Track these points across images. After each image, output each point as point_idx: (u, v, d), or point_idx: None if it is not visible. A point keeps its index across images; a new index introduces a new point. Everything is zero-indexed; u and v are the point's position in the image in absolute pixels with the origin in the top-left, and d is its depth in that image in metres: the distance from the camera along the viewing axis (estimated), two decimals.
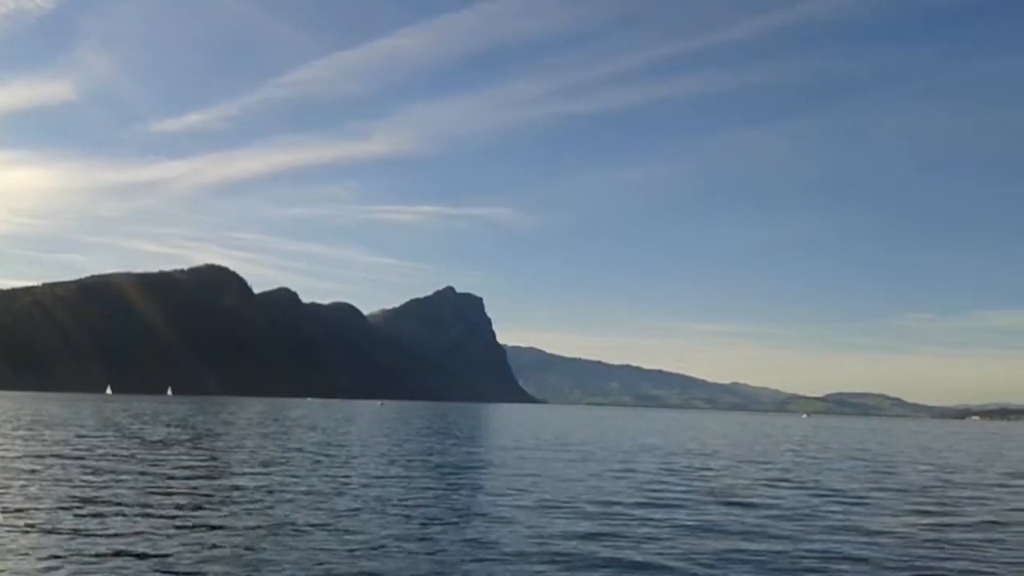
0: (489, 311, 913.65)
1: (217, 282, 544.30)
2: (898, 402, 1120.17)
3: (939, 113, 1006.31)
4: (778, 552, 15.31)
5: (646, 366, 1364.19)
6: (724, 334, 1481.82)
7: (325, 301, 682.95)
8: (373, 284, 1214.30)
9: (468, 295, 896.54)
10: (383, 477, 25.67)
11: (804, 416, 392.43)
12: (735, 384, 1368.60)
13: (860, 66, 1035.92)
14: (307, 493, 20.89)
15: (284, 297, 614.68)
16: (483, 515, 18.50)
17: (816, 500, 23.90)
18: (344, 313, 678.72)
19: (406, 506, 19.48)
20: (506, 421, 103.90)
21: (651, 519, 18.84)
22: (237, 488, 21.52)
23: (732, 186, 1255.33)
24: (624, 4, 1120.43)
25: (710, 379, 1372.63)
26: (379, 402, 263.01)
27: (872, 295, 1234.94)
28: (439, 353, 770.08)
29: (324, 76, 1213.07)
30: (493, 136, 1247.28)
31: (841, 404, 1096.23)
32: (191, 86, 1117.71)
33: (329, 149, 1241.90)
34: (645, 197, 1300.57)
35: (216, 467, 27.27)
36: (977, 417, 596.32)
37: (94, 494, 19.31)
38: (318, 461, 30.47)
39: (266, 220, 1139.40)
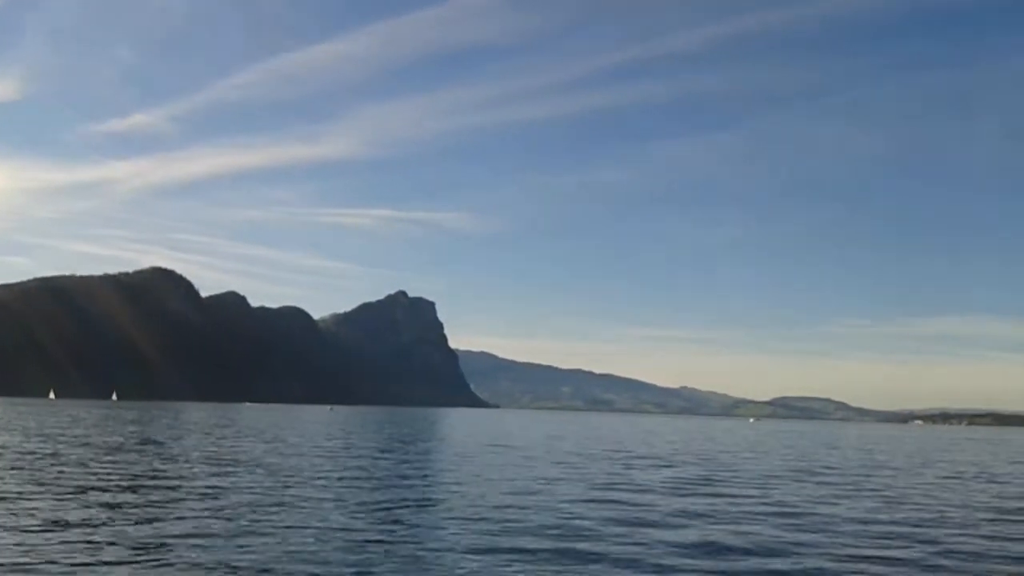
0: (441, 316, 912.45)
1: (163, 285, 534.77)
2: (842, 406, 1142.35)
3: (879, 123, 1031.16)
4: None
5: (597, 371, 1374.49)
6: (674, 339, 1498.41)
7: (274, 305, 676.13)
8: (324, 288, 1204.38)
9: (420, 299, 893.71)
10: (310, 484, 25.38)
11: (751, 420, 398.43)
12: (684, 388, 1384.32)
13: (806, 75, 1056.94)
14: (227, 502, 20.45)
15: (232, 301, 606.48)
16: (402, 523, 18.44)
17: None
18: (294, 317, 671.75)
19: (336, 512, 19.39)
20: (451, 426, 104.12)
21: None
22: (158, 496, 21.12)
23: (682, 192, 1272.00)
24: (575, 11, 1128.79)
25: (660, 384, 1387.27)
26: (329, 407, 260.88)
27: (814, 301, 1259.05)
28: (391, 358, 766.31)
29: (274, 77, 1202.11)
30: (445, 140, 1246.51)
31: (787, 408, 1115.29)
32: (137, 86, 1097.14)
33: (278, 151, 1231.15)
34: (597, 202, 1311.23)
35: (148, 474, 26.86)
36: (920, 421, 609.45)
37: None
38: (249, 470, 29.80)
39: (214, 222, 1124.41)
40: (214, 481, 25.24)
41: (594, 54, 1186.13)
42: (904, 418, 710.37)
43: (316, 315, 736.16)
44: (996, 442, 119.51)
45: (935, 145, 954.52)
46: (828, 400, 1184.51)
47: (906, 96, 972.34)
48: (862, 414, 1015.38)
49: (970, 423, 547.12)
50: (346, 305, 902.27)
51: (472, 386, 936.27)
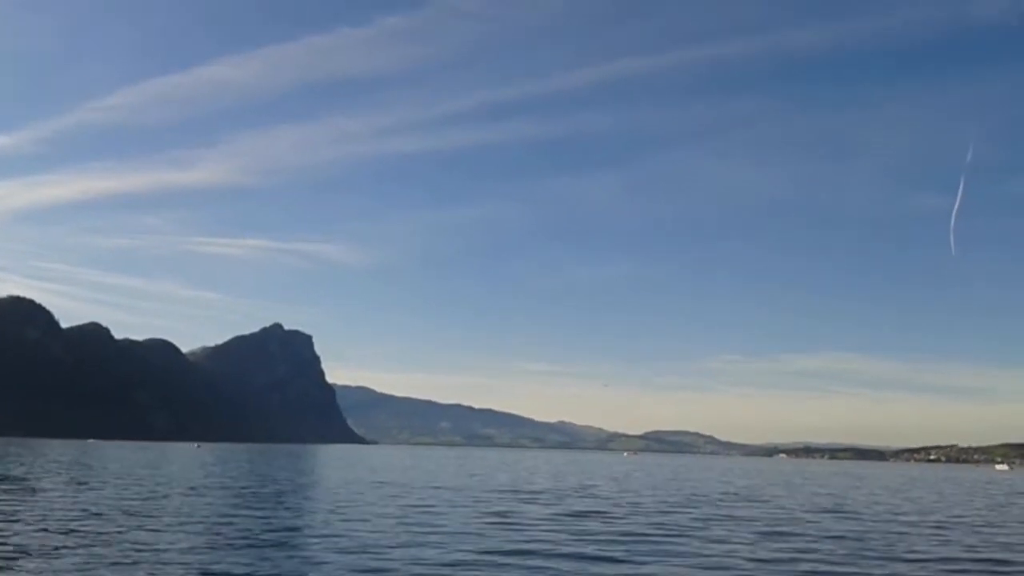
0: (318, 349, 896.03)
1: (21, 315, 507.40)
2: (711, 440, 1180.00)
3: (762, 164, 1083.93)
4: None
5: (477, 405, 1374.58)
6: (551, 373, 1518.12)
7: (140, 337, 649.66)
8: (194, 320, 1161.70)
9: (296, 332, 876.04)
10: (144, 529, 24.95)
11: (625, 454, 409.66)
12: (561, 423, 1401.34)
13: (693, 116, 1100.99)
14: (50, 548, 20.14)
15: (94, 332, 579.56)
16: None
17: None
18: (161, 350, 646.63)
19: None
20: (318, 464, 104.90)
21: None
22: None
23: (567, 229, 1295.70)
24: (458, 47, 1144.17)
25: (538, 418, 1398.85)
26: (196, 444, 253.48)
27: (687, 338, 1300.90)
28: (264, 392, 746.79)
29: (145, 101, 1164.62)
30: (325, 170, 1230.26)
31: (659, 442, 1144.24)
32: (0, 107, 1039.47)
33: (149, 177, 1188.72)
34: (477, 237, 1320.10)
35: None
36: (784, 455, 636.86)
37: None
38: (95, 514, 28.97)
39: (78, 250, 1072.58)
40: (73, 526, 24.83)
41: (480, 89, 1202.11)
42: (769, 451, 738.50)
43: (185, 348, 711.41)
44: (855, 475, 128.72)
45: (813, 186, 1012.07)
46: (698, 434, 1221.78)
47: (787, 138, 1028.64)
48: (730, 448, 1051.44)
49: (831, 457, 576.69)
50: (217, 338, 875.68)
51: (349, 421, 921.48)
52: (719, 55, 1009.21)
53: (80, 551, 20.19)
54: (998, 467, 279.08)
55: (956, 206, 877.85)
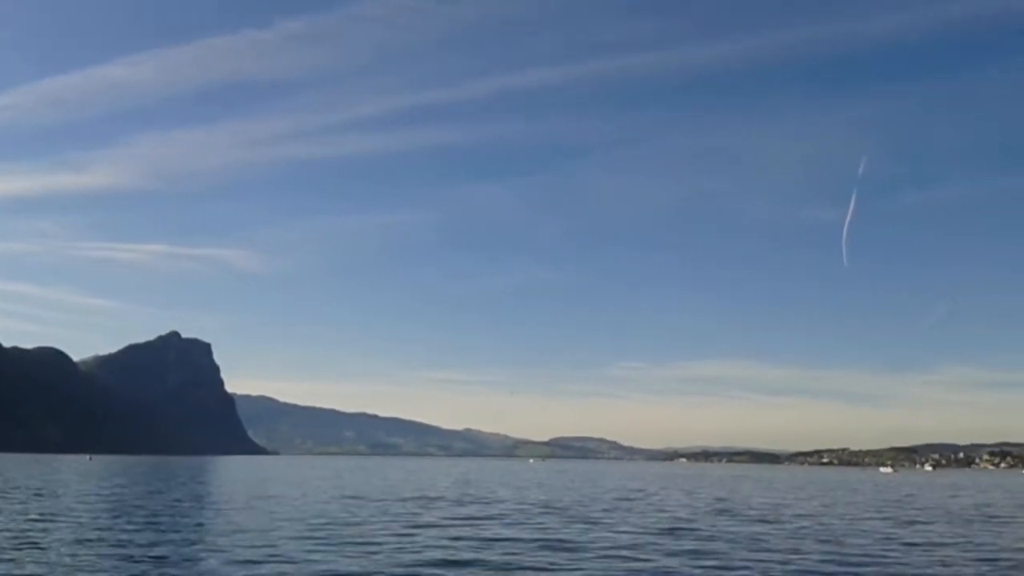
0: (218, 358, 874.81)
1: None
2: (615, 445, 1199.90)
3: (666, 175, 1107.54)
4: None
5: (382, 414, 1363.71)
6: (457, 381, 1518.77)
7: (30, 345, 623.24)
8: (86, 328, 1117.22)
9: (194, 341, 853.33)
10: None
11: (531, 461, 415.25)
12: (468, 430, 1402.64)
13: (601, 127, 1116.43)
14: None
15: None
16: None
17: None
18: (51, 359, 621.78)
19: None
20: (212, 476, 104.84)
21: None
22: None
23: (467, 237, 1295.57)
24: (363, 53, 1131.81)
25: (444, 426, 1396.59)
26: (87, 456, 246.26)
27: (591, 345, 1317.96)
28: (160, 402, 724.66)
29: (38, 102, 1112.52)
30: (225, 174, 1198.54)
31: (564, 448, 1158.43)
32: None
33: (41, 180, 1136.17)
34: (382, 244, 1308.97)
35: None
36: (684, 459, 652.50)
37: None
38: None
39: None
40: None
41: (385, 95, 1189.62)
42: (670, 456, 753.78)
43: (77, 357, 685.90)
44: (756, 478, 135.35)
45: (712, 197, 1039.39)
46: (602, 440, 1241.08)
47: (689, 149, 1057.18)
48: (633, 453, 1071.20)
49: (729, 461, 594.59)
50: (111, 346, 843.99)
51: (250, 432, 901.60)
52: (625, 67, 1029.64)
53: None
54: (882, 470, 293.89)
55: (848, 218, 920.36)
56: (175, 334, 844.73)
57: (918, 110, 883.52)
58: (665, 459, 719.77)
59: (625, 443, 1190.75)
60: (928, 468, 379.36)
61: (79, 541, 26.71)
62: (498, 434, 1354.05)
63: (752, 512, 47.33)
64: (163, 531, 30.57)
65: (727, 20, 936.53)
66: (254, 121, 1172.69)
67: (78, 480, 74.83)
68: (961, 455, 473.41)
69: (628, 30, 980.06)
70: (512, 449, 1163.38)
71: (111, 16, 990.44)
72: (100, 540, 27.13)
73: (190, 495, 54.65)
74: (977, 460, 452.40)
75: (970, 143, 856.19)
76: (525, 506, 47.48)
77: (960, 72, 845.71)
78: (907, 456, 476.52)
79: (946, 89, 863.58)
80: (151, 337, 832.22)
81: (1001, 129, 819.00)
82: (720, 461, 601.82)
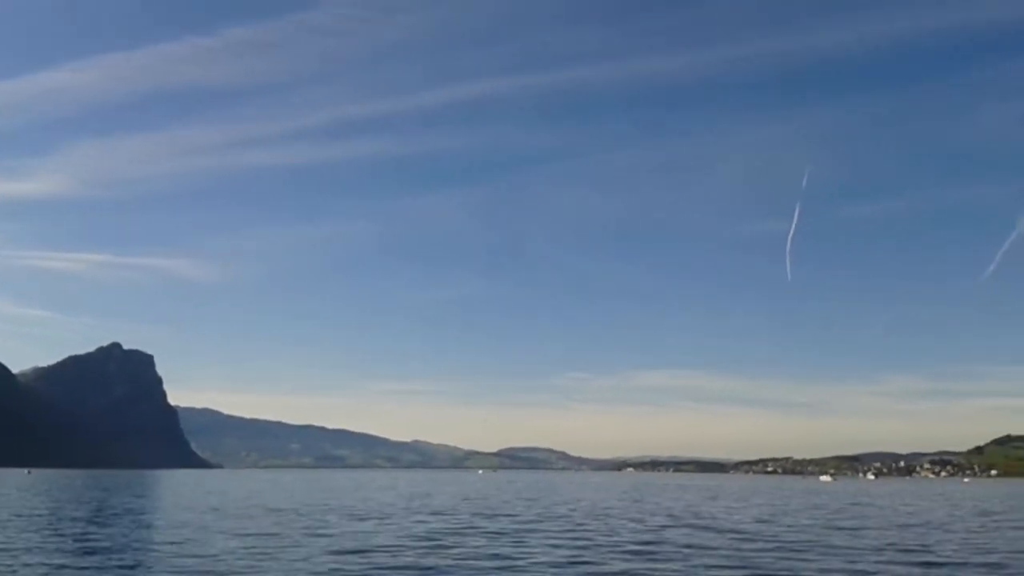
0: (161, 370, 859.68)
1: None
2: (563, 456, 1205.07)
3: (611, 187, 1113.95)
4: None
5: (329, 426, 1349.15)
6: (405, 392, 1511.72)
7: None
8: (25, 339, 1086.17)
9: (136, 352, 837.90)
10: None
11: (480, 472, 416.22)
12: (416, 442, 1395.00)
13: (545, 140, 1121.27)
14: None
15: None
16: None
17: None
18: None
19: None
20: (147, 489, 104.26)
21: None
22: None
23: (413, 247, 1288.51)
24: (309, 61, 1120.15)
25: (392, 438, 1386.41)
26: (26, 471, 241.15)
27: (538, 356, 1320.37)
28: (101, 416, 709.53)
29: None
30: (173, 183, 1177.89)
31: (513, 459, 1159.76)
32: None
33: None
34: (327, 254, 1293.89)
35: None
36: (632, 469, 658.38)
37: None
38: None
39: None
40: None
41: (331, 105, 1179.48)
42: (618, 466, 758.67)
43: (15, 368, 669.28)
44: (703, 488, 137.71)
45: (658, 208, 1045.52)
46: (551, 450, 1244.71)
47: (635, 161, 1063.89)
48: (581, 463, 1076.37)
49: (676, 470, 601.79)
50: (50, 358, 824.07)
51: (194, 445, 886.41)
52: (570, 79, 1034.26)
53: None
54: (822, 478, 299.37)
55: (792, 230, 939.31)
56: (116, 345, 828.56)
57: (862, 123, 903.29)
58: (613, 468, 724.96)
59: (574, 453, 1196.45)
60: (871, 477, 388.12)
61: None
62: (447, 445, 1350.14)
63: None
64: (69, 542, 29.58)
65: (674, 33, 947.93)
66: (197, 129, 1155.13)
67: (16, 494, 74.21)
68: (903, 464, 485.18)
69: (574, 42, 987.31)
70: (461, 460, 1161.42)
71: (51, 22, 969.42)
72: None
73: (111, 508, 51.88)
74: (918, 468, 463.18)
75: (912, 156, 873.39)
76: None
77: (903, 86, 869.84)
78: (850, 465, 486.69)
79: (889, 103, 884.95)
80: (91, 348, 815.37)
81: (943, 143, 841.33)
82: (667, 470, 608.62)
